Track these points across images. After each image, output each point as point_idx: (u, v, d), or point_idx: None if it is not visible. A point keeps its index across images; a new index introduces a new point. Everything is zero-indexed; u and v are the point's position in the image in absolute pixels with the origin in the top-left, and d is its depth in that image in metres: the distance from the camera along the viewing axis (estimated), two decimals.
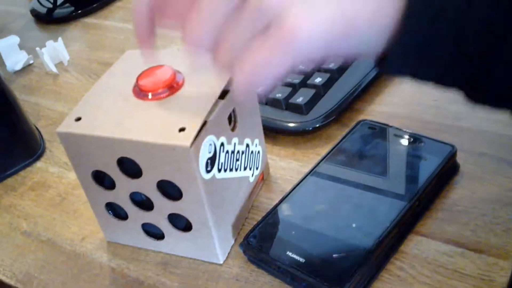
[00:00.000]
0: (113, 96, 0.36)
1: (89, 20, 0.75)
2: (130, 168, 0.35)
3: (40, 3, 0.80)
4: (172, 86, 0.35)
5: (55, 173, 0.49)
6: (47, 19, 0.77)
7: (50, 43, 0.64)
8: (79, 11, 0.76)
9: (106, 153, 0.34)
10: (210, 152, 0.34)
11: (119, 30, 0.70)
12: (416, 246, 0.36)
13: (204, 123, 0.33)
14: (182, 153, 0.32)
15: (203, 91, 0.35)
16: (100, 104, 0.36)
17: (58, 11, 0.78)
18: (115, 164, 0.35)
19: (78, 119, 0.35)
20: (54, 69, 0.63)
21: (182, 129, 0.32)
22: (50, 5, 0.79)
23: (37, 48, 0.64)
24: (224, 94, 0.35)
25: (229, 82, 0.36)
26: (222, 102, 0.35)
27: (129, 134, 0.33)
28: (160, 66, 0.37)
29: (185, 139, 0.32)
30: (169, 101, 0.35)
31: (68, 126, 0.35)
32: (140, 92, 0.36)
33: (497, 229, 0.36)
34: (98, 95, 0.37)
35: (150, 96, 0.35)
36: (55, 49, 0.64)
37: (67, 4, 0.78)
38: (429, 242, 0.36)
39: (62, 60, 0.65)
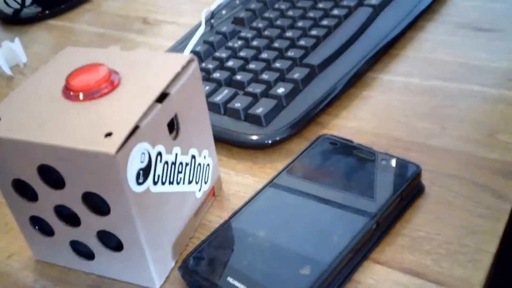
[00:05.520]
0: (39, 97, 0.32)
1: (55, 22, 0.71)
2: (52, 177, 0.31)
3: (7, 3, 0.76)
4: (106, 87, 0.32)
5: None
6: (13, 20, 0.73)
7: (6, 43, 0.61)
8: (46, 12, 0.73)
9: (25, 159, 0.30)
10: (142, 162, 0.30)
11: (83, 33, 0.67)
12: (372, 275, 0.32)
13: (136, 129, 0.29)
14: (106, 161, 0.28)
15: (140, 93, 0.31)
16: (24, 105, 0.32)
17: (25, 11, 0.74)
18: (35, 172, 0.31)
19: None
20: (8, 71, 0.59)
21: (108, 134, 0.29)
22: (18, 6, 0.75)
23: None
24: (163, 97, 0.32)
25: (170, 85, 0.32)
26: (159, 106, 0.31)
27: (49, 138, 0.29)
28: (95, 65, 0.33)
29: (110, 145, 0.28)
30: (100, 103, 0.31)
31: None
32: (69, 92, 0.32)
33: (462, 259, 0.32)
34: (23, 95, 0.33)
35: (81, 97, 0.32)
36: (11, 50, 0.60)
37: (35, 5, 0.75)
38: (387, 271, 0.32)
39: (18, 63, 0.61)
